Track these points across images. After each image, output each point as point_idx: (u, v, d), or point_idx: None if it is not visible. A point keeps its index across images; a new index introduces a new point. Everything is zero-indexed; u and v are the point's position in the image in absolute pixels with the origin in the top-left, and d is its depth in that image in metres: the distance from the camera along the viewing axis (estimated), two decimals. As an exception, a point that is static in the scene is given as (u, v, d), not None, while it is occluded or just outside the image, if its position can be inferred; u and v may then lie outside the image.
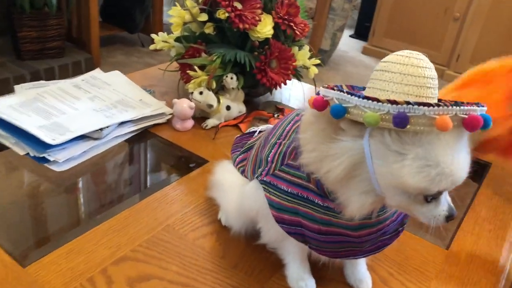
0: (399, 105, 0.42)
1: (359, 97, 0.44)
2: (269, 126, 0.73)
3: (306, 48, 1.13)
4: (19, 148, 0.82)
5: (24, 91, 0.97)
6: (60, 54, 2.31)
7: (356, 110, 0.44)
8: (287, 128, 0.59)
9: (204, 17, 1.01)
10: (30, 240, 0.67)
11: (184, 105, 0.96)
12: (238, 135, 0.79)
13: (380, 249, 0.60)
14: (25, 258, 0.61)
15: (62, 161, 0.80)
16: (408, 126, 0.42)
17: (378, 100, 0.43)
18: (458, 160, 0.45)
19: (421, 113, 0.42)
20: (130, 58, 2.88)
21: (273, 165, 0.58)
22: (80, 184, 0.80)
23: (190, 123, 0.99)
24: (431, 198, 0.47)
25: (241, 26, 0.97)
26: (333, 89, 0.47)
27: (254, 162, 0.63)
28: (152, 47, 1.12)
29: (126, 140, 0.92)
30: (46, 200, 0.75)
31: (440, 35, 3.43)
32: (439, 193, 0.47)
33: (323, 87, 0.49)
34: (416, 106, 0.42)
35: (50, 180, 0.79)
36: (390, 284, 0.66)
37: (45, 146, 0.81)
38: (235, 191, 0.65)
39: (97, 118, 0.91)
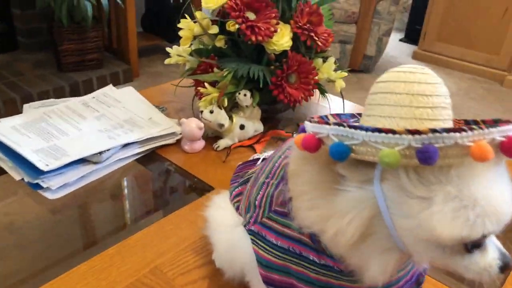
0: (423, 135, 0.32)
1: (366, 130, 0.34)
2: (272, 152, 0.63)
3: (331, 60, 1.02)
4: (15, 173, 0.79)
5: (32, 110, 0.94)
6: (99, 65, 2.34)
7: (364, 147, 0.34)
8: (276, 163, 0.50)
9: (215, 29, 0.93)
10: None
11: (193, 126, 0.88)
12: (241, 162, 0.70)
13: None
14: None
15: (56, 187, 0.75)
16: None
17: (394, 132, 0.33)
18: (500, 193, 0.35)
19: (452, 142, 0.32)
20: (169, 68, 2.88)
21: (261, 211, 0.49)
22: (69, 215, 0.74)
23: (200, 144, 0.91)
24: (473, 246, 0.36)
25: (253, 38, 0.88)
26: (327, 123, 0.37)
27: (247, 202, 0.54)
28: (167, 61, 1.06)
29: (130, 163, 0.86)
30: (25, 234, 0.70)
31: (499, 37, 3.16)
32: (483, 237, 0.36)
33: (309, 120, 0.39)
34: (445, 134, 0.32)
35: (38, 210, 0.74)
36: None
37: (39, 171, 0.76)
38: (225, 233, 0.56)
39: (99, 140, 0.86)
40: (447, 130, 0.32)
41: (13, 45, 2.43)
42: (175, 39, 2.95)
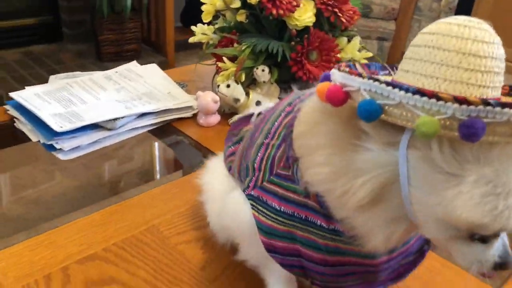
0: (472, 106, 0.28)
1: (406, 90, 0.30)
2: (269, 106, 0.60)
3: (357, 39, 0.98)
4: (33, 135, 0.81)
5: (57, 81, 0.97)
6: (136, 56, 2.40)
7: (400, 110, 0.30)
8: (276, 122, 0.47)
9: (237, 3, 0.92)
10: (4, 228, 0.63)
11: (208, 99, 0.88)
12: (235, 119, 0.67)
13: (401, 277, 0.46)
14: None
15: (68, 149, 0.77)
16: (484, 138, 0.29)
17: (438, 97, 0.29)
18: None
19: (505, 118, 0.28)
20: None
21: (261, 175, 0.45)
22: (78, 174, 0.75)
23: (215, 118, 0.91)
24: (481, 237, 0.33)
25: (274, 12, 0.86)
26: (359, 75, 0.33)
27: (239, 164, 0.51)
28: (191, 39, 1.07)
29: (144, 134, 0.86)
30: (36, 187, 0.71)
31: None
32: (499, 232, 0.33)
33: (339, 69, 0.35)
34: (498, 109, 0.28)
35: (51, 168, 0.76)
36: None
37: (54, 133, 0.78)
38: (219, 198, 0.54)
39: (115, 108, 0.87)
40: (502, 105, 0.28)
41: (58, 36, 2.54)
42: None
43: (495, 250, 0.34)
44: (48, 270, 0.53)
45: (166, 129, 0.89)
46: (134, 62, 1.08)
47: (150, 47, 2.64)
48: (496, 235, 0.33)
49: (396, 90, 0.30)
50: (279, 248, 0.43)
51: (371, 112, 0.31)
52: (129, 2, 2.14)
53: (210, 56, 1.04)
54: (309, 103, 0.40)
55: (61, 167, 0.76)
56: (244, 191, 0.47)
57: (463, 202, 0.30)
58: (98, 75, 1.00)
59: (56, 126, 0.78)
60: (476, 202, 0.30)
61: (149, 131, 0.87)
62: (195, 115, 0.93)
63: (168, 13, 2.44)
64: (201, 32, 1.04)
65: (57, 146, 0.77)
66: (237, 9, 0.94)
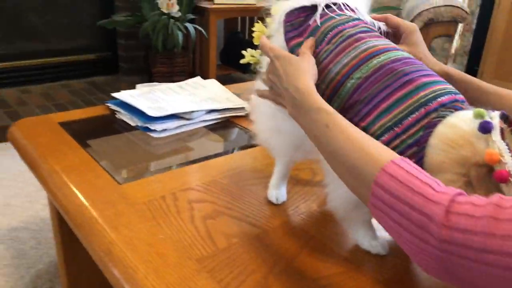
0: None
1: None
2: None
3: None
4: (132, 121, 1.10)
5: (142, 88, 1.27)
6: (183, 87, 2.76)
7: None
8: (411, 117, 0.53)
9: (281, 30, 1.22)
10: (128, 169, 0.91)
11: (259, 100, 1.16)
12: (287, 13, 0.68)
13: None
14: (122, 180, 0.84)
15: (159, 130, 1.06)
16: None
17: None
18: None
19: None
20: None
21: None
22: (169, 146, 1.03)
23: (263, 115, 1.18)
24: None
25: (309, 36, 1.16)
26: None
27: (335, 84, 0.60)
28: (242, 61, 1.37)
29: (211, 125, 1.14)
30: (142, 150, 1.00)
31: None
32: None
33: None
34: None
35: (148, 141, 1.04)
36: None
37: (149, 118, 1.07)
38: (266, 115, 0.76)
39: (190, 105, 1.16)
40: None
41: (115, 69, 2.93)
42: (247, 69, 3.34)
43: None
44: (162, 194, 0.80)
45: (226, 124, 1.17)
46: (198, 77, 1.39)
47: (192, 80, 3.00)
48: None
49: None
50: None
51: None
52: (181, 40, 2.51)
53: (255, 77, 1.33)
54: (458, 128, 0.49)
55: (151, 142, 1.04)
56: None
57: None
58: (172, 84, 1.31)
59: (151, 112, 1.07)
60: None
61: (214, 123, 1.15)
62: (247, 115, 1.21)
63: (211, 52, 2.81)
64: (250, 55, 1.34)
65: (151, 128, 1.06)
66: (281, 35, 1.24)
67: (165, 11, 2.48)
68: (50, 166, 0.88)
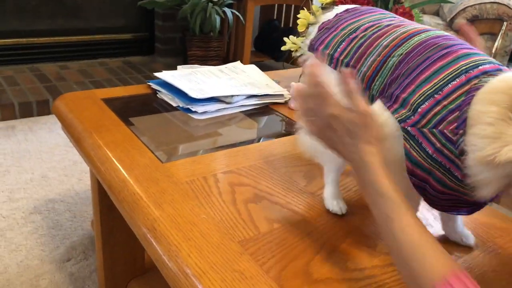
0: None
1: None
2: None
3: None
4: (173, 102, 1.11)
5: (183, 69, 1.28)
6: (216, 71, 2.76)
7: None
8: (451, 84, 0.53)
9: (326, 18, 1.20)
10: (170, 148, 0.92)
11: (300, 88, 1.15)
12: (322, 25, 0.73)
13: (471, 213, 0.62)
14: (164, 158, 0.85)
15: (200, 112, 1.06)
16: None
17: None
18: None
19: None
20: (273, 83, 3.23)
21: (424, 121, 0.54)
22: (208, 128, 1.04)
23: (303, 104, 1.17)
24: None
25: (356, 25, 1.14)
26: None
27: (372, 73, 0.60)
28: (283, 48, 1.36)
29: (249, 110, 1.14)
30: (183, 130, 1.00)
31: None
32: None
33: None
34: None
35: (189, 122, 1.05)
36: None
37: (191, 100, 1.08)
38: None
39: (230, 89, 1.16)
40: None
41: (151, 50, 2.96)
42: (281, 58, 3.32)
43: None
44: (204, 175, 0.81)
45: (265, 110, 1.17)
46: (238, 62, 1.38)
47: (226, 65, 3.01)
48: None
49: None
50: (417, 175, 0.56)
51: None
52: (218, 24, 2.51)
53: (287, 65, 1.32)
54: (495, 85, 0.49)
55: (192, 123, 1.04)
56: (400, 122, 0.56)
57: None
58: (213, 68, 1.31)
59: (193, 94, 1.08)
60: None
61: (253, 109, 1.15)
62: (286, 102, 1.20)
63: (247, 38, 2.80)
64: (292, 42, 1.33)
65: (193, 109, 1.06)
66: (326, 23, 1.22)
67: (204, -6, 2.49)
68: (95, 141, 0.89)
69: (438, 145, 0.53)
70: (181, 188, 0.75)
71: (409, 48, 0.59)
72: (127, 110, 1.07)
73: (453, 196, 0.56)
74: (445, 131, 0.52)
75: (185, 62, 2.72)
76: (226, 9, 2.60)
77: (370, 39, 0.64)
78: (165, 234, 0.64)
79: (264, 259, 0.61)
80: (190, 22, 2.56)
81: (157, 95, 1.16)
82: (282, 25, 3.35)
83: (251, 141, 0.97)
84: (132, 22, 2.88)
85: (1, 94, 2.18)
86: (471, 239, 0.69)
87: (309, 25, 1.25)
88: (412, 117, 0.55)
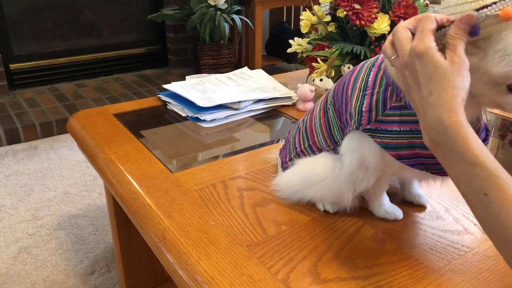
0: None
1: None
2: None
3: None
4: (182, 112, 1.13)
5: (191, 79, 1.30)
6: (229, 78, 2.79)
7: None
8: (370, 78, 0.62)
9: (328, 18, 1.21)
10: (179, 158, 0.93)
11: (306, 88, 1.15)
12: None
13: None
14: (174, 168, 0.87)
15: (209, 120, 1.08)
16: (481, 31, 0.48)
17: None
18: None
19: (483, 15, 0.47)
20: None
21: (373, 113, 0.60)
22: (218, 136, 1.05)
23: (310, 104, 1.18)
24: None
25: (357, 22, 1.14)
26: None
27: (326, 129, 0.70)
28: (289, 50, 1.37)
29: (258, 114, 1.15)
30: (193, 139, 1.02)
31: None
32: None
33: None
34: (480, 11, 0.47)
35: (198, 131, 1.06)
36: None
37: (199, 109, 1.09)
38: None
39: (238, 95, 1.17)
40: (480, 8, 0.47)
41: (165, 62, 3.01)
42: (292, 60, 3.32)
43: None
44: (212, 182, 0.82)
45: (273, 113, 1.18)
46: (246, 68, 1.39)
47: (239, 71, 3.03)
48: None
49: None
50: (404, 155, 0.59)
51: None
52: (227, 32, 2.54)
53: (299, 67, 1.33)
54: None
55: (201, 131, 1.06)
56: (357, 128, 0.62)
57: (491, 64, 0.48)
58: (221, 75, 1.32)
59: (201, 103, 1.09)
60: (497, 61, 0.48)
61: (261, 113, 1.16)
62: (294, 104, 1.21)
63: (257, 43, 2.81)
64: (298, 44, 1.33)
65: (201, 118, 1.08)
66: (328, 22, 1.22)
67: (212, 3, 2.51)
68: (107, 155, 0.92)
69: (398, 118, 0.58)
70: (190, 197, 0.76)
71: (331, 97, 0.71)
72: (138, 123, 1.10)
73: None
74: (393, 104, 0.59)
75: (198, 71, 2.75)
76: (234, 16, 2.63)
77: (308, 121, 0.76)
78: (175, 242, 0.66)
79: (272, 262, 0.61)
80: (200, 31, 2.60)
81: (167, 106, 1.18)
82: (292, 27, 3.35)
83: (259, 146, 0.97)
84: (144, 36, 2.94)
85: (23, 116, 2.25)
86: (423, 199, 0.75)
87: (312, 25, 1.26)
88: (362, 118, 0.61)
